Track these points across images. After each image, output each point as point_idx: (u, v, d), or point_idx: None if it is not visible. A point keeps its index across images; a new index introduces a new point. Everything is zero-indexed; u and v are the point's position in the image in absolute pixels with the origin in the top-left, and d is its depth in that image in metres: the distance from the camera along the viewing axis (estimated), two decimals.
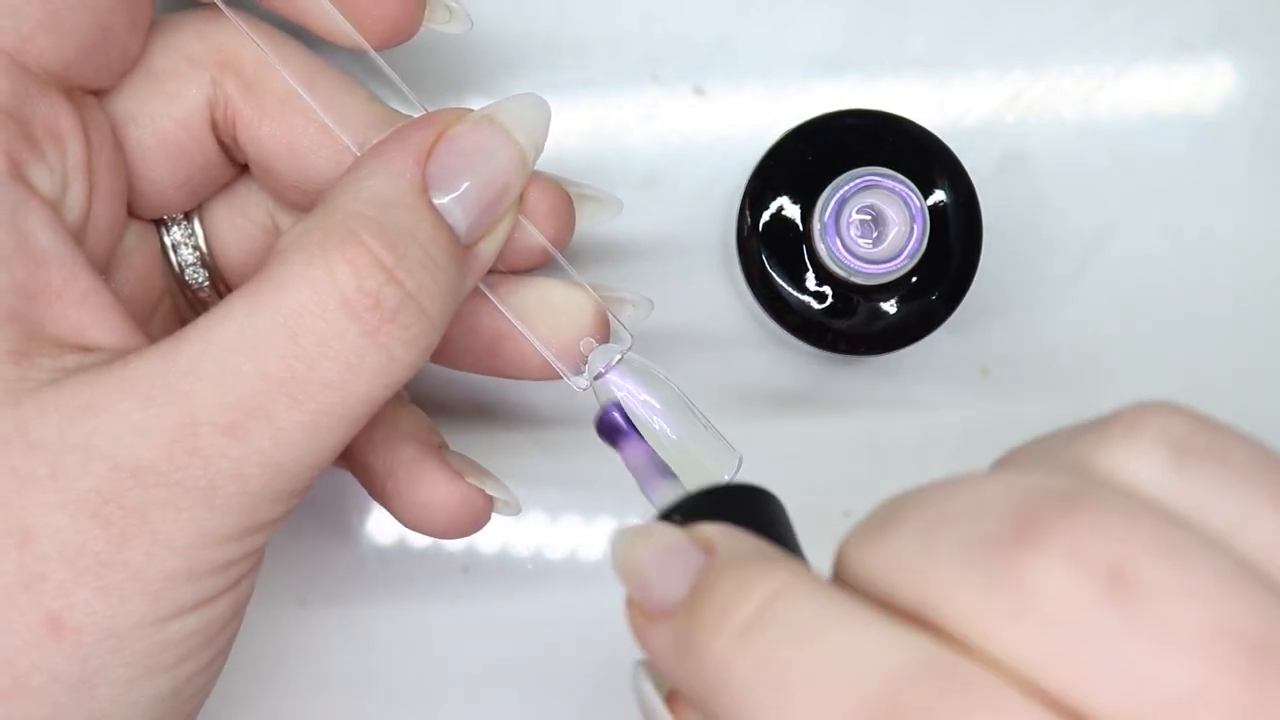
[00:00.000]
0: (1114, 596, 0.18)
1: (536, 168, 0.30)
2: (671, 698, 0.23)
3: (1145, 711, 0.17)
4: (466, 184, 0.28)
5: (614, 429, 0.30)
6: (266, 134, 0.31)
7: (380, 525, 0.40)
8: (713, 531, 0.23)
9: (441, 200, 0.28)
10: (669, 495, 0.27)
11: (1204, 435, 0.20)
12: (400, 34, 0.31)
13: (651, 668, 0.24)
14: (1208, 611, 0.18)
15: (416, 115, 0.30)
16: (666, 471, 0.29)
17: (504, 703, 0.40)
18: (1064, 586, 0.18)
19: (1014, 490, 0.20)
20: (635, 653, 0.40)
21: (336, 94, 0.31)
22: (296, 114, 0.31)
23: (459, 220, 0.28)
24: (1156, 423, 0.20)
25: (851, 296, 0.36)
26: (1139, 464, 0.20)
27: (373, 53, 0.30)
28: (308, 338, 0.26)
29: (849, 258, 0.34)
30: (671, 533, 0.23)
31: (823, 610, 0.20)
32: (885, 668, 0.19)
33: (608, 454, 0.40)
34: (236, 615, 0.29)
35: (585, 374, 0.31)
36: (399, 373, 0.27)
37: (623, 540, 0.23)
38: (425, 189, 0.28)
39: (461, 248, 0.28)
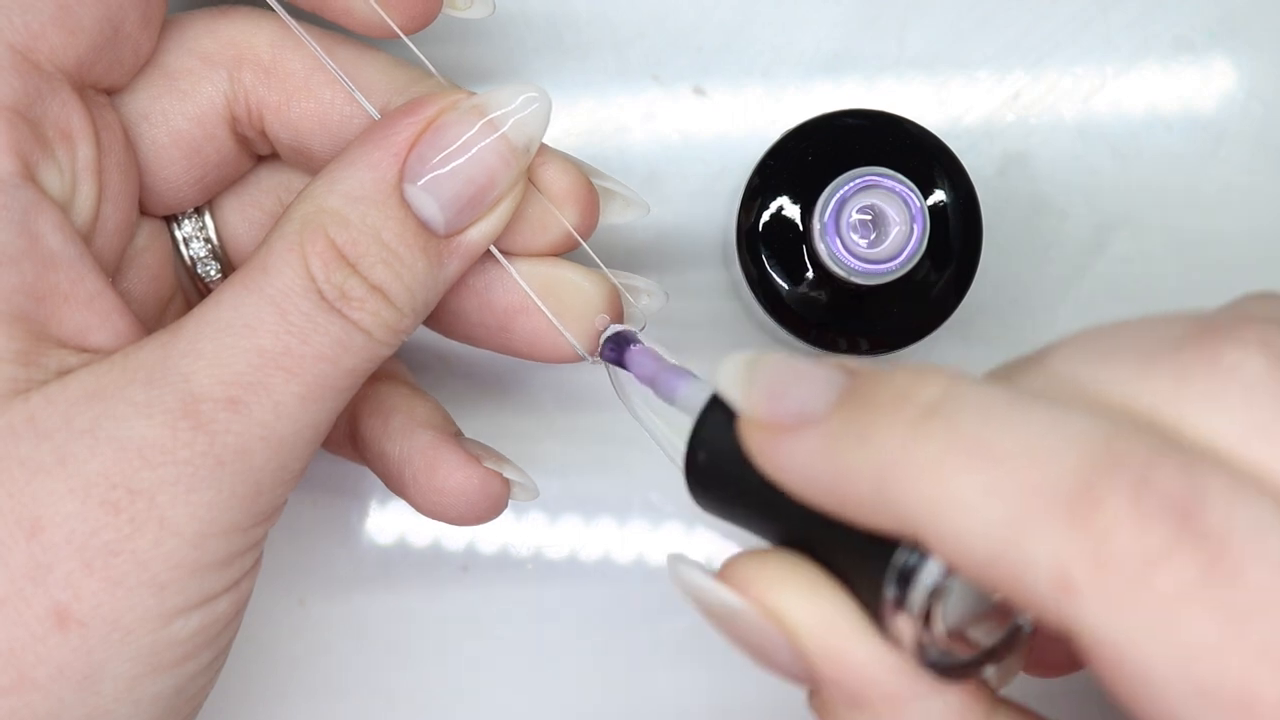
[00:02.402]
0: None
1: (564, 151, 0.31)
2: (720, 577, 0.23)
3: None
4: (445, 179, 0.28)
5: (624, 340, 0.30)
6: (297, 115, 0.31)
7: (380, 525, 0.40)
8: (844, 360, 0.22)
9: (416, 194, 0.28)
10: (699, 391, 0.27)
11: None
12: (419, 19, 0.31)
13: (686, 558, 0.23)
14: None
15: (440, 80, 0.30)
16: (684, 372, 0.28)
17: (504, 702, 0.40)
18: (1261, 369, 0.19)
19: (1189, 316, 0.20)
20: (633, 652, 0.40)
21: (358, 62, 0.31)
22: (324, 88, 0.31)
23: (434, 215, 0.28)
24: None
25: (851, 296, 0.36)
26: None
27: (399, 32, 0.30)
28: (296, 315, 0.27)
29: (849, 258, 0.34)
30: (800, 356, 0.22)
31: (1011, 395, 0.20)
32: (1097, 432, 0.18)
33: (614, 446, 0.40)
34: (237, 616, 0.29)
35: (599, 350, 0.31)
36: (378, 350, 0.28)
37: (738, 361, 0.22)
38: (399, 184, 0.28)
39: (436, 240, 0.29)
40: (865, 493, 0.20)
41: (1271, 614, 0.17)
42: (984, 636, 0.22)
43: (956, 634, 0.21)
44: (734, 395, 0.22)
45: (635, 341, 0.30)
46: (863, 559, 0.21)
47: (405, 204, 0.28)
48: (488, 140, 0.29)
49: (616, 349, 0.30)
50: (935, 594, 0.21)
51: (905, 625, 0.21)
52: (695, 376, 0.28)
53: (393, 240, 0.28)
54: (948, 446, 0.19)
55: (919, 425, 0.20)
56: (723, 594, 0.23)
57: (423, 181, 0.28)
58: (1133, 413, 0.19)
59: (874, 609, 0.22)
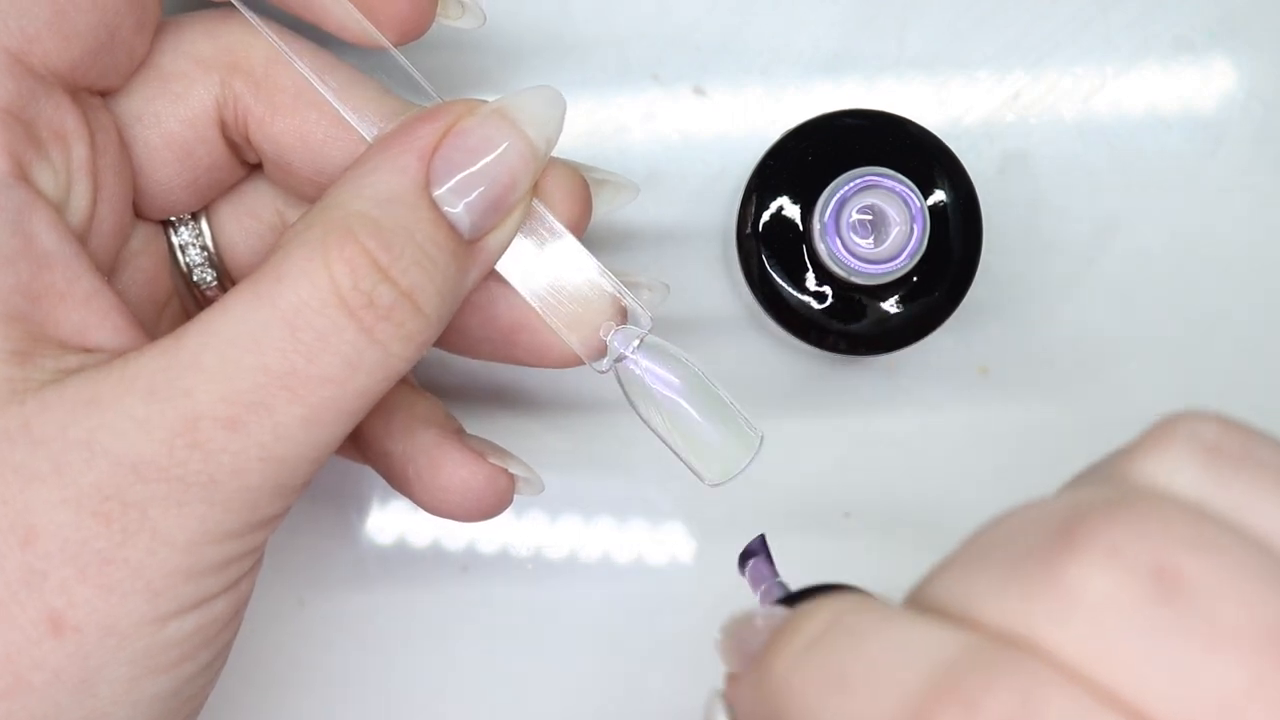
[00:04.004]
0: (1158, 595, 0.18)
1: (561, 151, 0.30)
2: None
3: (1196, 710, 0.18)
4: (472, 181, 0.28)
5: (753, 554, 0.31)
6: (280, 130, 0.31)
7: (380, 525, 0.40)
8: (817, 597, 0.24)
9: (444, 197, 0.28)
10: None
11: (1235, 439, 0.20)
12: (413, 31, 0.31)
13: (727, 698, 0.25)
14: (1254, 609, 0.18)
15: (439, 101, 0.30)
16: (777, 596, 0.30)
17: (504, 702, 0.40)
18: (1108, 587, 0.18)
19: (1057, 507, 0.20)
20: (633, 652, 0.40)
21: (349, 86, 0.31)
22: (310, 108, 0.31)
23: (462, 217, 0.28)
24: (1186, 429, 0.20)
25: (851, 296, 0.36)
26: (1173, 470, 0.20)
27: (391, 49, 0.30)
28: (307, 332, 0.26)
29: (849, 258, 0.34)
30: (767, 610, 0.24)
31: (881, 618, 0.20)
32: (938, 653, 0.19)
33: (614, 445, 0.40)
34: (236, 616, 0.29)
35: (606, 357, 0.31)
36: (396, 366, 0.27)
37: (732, 620, 0.24)
38: (427, 186, 0.28)
39: (464, 244, 0.28)
40: (768, 717, 0.21)
41: None
42: None
43: None
44: (720, 653, 0.24)
45: (758, 553, 0.31)
46: None
47: (435, 206, 0.28)
48: (512, 143, 0.28)
49: (747, 560, 0.31)
50: None
51: None
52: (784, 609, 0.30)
53: (425, 242, 0.27)
54: (815, 675, 0.20)
55: (798, 658, 0.21)
56: None
57: (450, 184, 0.28)
58: (993, 630, 0.19)
59: None
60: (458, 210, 0.28)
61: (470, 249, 0.29)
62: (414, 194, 0.28)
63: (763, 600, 0.30)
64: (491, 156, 0.28)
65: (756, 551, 0.31)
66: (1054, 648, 0.18)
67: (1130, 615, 0.18)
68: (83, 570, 0.26)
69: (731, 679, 0.23)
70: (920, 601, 0.21)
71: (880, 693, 0.19)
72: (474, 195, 0.28)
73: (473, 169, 0.28)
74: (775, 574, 0.30)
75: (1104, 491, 0.20)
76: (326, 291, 0.26)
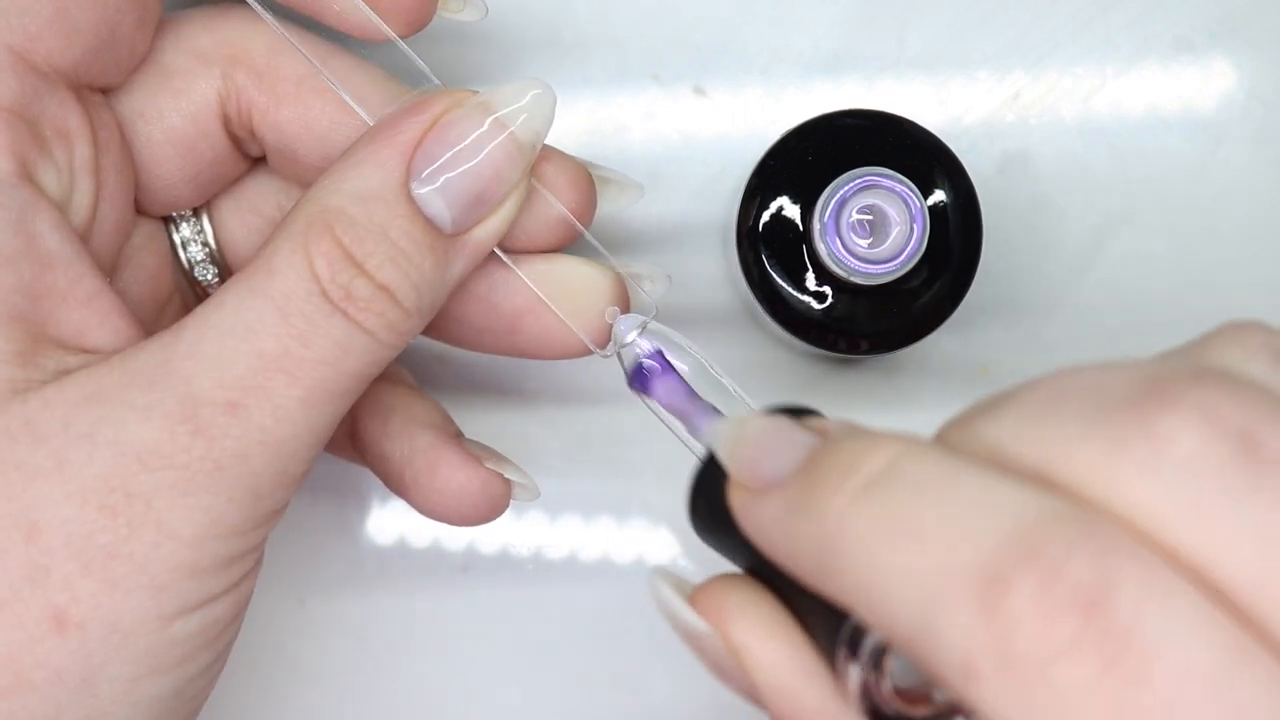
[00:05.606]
0: (1246, 458, 0.18)
1: (557, 147, 0.31)
2: (692, 600, 0.24)
3: (1274, 573, 0.18)
4: (451, 176, 0.28)
5: (651, 372, 0.30)
6: (285, 119, 0.31)
7: (380, 525, 0.40)
8: (822, 421, 0.23)
9: (423, 193, 0.28)
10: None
11: None
12: (415, 23, 0.31)
13: (667, 574, 0.24)
14: None
15: (438, 85, 0.30)
16: (711, 410, 0.29)
17: (503, 702, 0.40)
18: (1198, 442, 0.18)
19: (1138, 370, 0.20)
20: (633, 652, 0.40)
21: (352, 73, 0.31)
22: (313, 96, 0.31)
23: (441, 212, 0.28)
24: (1262, 333, 0.21)
25: (851, 296, 0.36)
26: (1247, 362, 0.20)
27: (395, 37, 0.30)
28: (298, 318, 0.27)
29: (849, 258, 0.34)
30: (781, 418, 0.23)
31: (949, 467, 0.20)
32: (1019, 514, 0.19)
33: (613, 446, 0.40)
34: (237, 618, 0.29)
35: (610, 343, 0.31)
36: (383, 353, 0.28)
37: (730, 424, 0.24)
38: (406, 182, 0.28)
39: (444, 239, 0.28)
40: (809, 562, 0.21)
41: (1167, 718, 0.17)
42: (944, 696, 0.22)
43: (919, 694, 0.22)
44: (723, 456, 0.23)
45: (667, 368, 0.30)
46: (825, 610, 0.22)
47: (413, 202, 0.28)
48: (495, 137, 0.29)
49: (645, 380, 0.30)
50: (882, 653, 0.21)
51: (855, 678, 0.22)
52: (720, 415, 0.28)
53: (400, 238, 0.28)
54: (877, 523, 0.20)
55: (856, 499, 0.20)
56: (691, 618, 0.24)
57: (429, 178, 0.28)
58: (1065, 481, 0.19)
59: (830, 656, 0.22)
60: (438, 205, 0.28)
61: (452, 243, 0.29)
62: (392, 190, 0.28)
63: (691, 428, 0.29)
64: (473, 154, 0.28)
65: (658, 371, 0.30)
66: (1138, 502, 0.18)
67: (1218, 473, 0.18)
68: (87, 565, 0.26)
69: (742, 490, 0.23)
70: (970, 445, 0.20)
71: (955, 549, 0.19)
72: (454, 191, 0.28)
73: (454, 165, 0.28)
74: (695, 395, 0.29)
75: (1186, 364, 0.20)
76: (309, 281, 0.27)
